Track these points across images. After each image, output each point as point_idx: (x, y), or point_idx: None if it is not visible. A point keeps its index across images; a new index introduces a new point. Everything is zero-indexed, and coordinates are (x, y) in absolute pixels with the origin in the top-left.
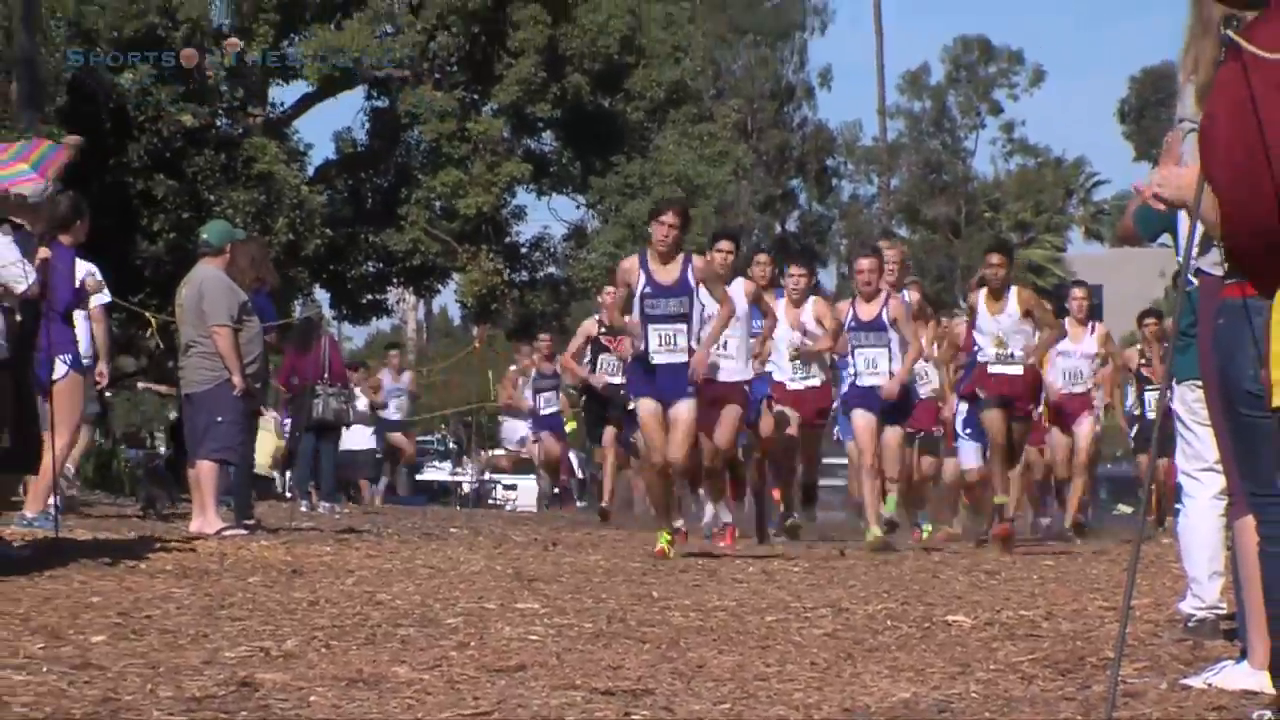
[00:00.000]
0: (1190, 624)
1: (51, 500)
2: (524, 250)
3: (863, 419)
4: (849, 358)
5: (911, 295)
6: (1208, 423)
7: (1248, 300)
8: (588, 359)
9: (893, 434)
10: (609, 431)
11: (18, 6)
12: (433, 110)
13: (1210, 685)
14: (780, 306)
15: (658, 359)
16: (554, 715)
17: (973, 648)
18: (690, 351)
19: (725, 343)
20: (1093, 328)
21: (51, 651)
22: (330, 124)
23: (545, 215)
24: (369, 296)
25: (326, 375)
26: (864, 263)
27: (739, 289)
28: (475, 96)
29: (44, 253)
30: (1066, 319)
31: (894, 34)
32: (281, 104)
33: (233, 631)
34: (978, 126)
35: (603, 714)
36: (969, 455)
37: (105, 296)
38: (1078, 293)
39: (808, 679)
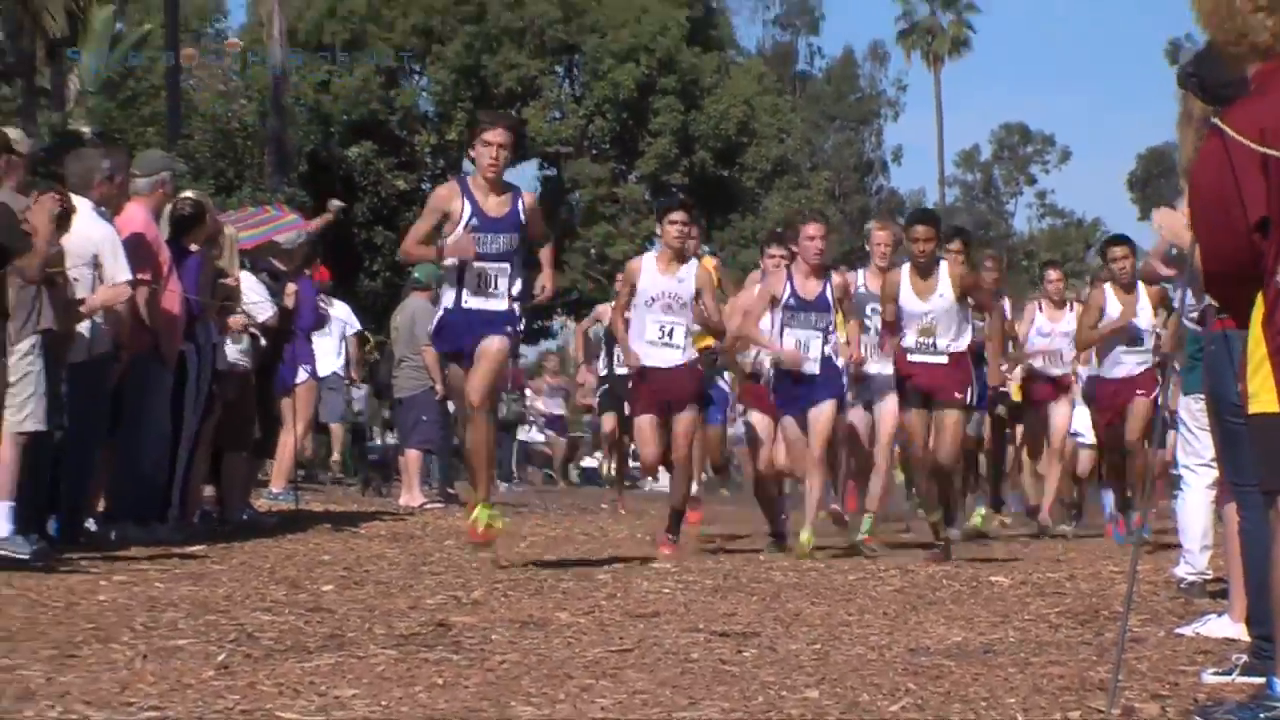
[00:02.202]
0: (1183, 585)
1: (291, 478)
2: None
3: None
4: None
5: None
6: (1207, 427)
7: (1227, 332)
8: (602, 354)
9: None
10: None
11: (269, 95)
12: (589, 178)
13: (1198, 634)
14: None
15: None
16: (682, 652)
17: (1010, 602)
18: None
19: (671, 330)
20: (1071, 306)
21: (291, 597)
22: None
23: None
24: (538, 323)
25: (509, 385)
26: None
27: (691, 270)
28: (623, 167)
29: (291, 288)
30: (1041, 300)
31: (951, 121)
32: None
33: (432, 583)
34: (1017, 194)
35: (720, 652)
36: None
37: (355, 325)
38: (1052, 274)
39: (880, 625)
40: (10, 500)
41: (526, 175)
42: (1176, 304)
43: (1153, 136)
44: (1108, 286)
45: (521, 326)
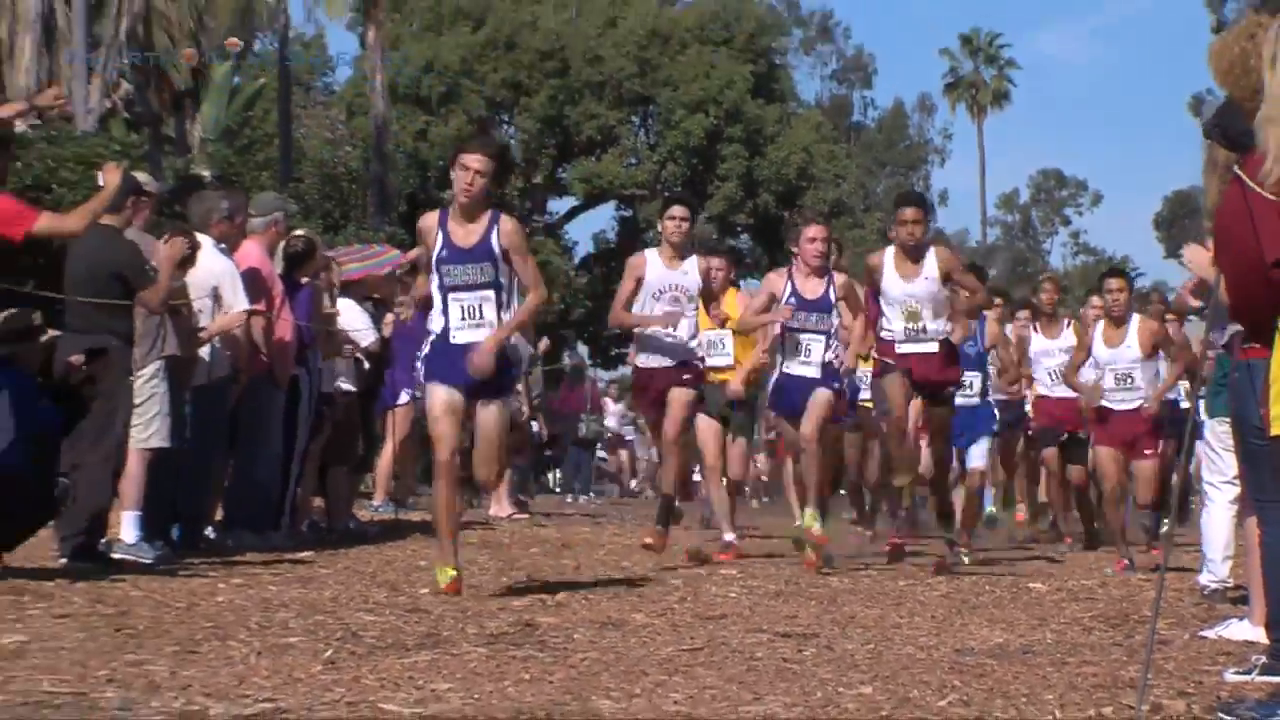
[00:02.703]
0: (1206, 592)
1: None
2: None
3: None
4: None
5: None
6: (1231, 448)
7: (1251, 361)
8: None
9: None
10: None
11: (372, 143)
12: None
13: (1221, 636)
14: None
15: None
16: (747, 651)
17: (1047, 607)
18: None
19: (677, 323)
20: (1068, 321)
21: (391, 599)
22: (590, 228)
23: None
24: (615, 350)
25: (589, 405)
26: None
27: (693, 263)
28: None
29: (390, 317)
30: (1033, 317)
31: (992, 167)
32: (555, 213)
33: (519, 587)
34: (1053, 234)
35: (782, 651)
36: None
37: None
38: (1047, 285)
39: (929, 627)
40: (137, 510)
41: (604, 216)
42: (1193, 330)
43: (1177, 181)
44: (1100, 323)
45: (534, 351)
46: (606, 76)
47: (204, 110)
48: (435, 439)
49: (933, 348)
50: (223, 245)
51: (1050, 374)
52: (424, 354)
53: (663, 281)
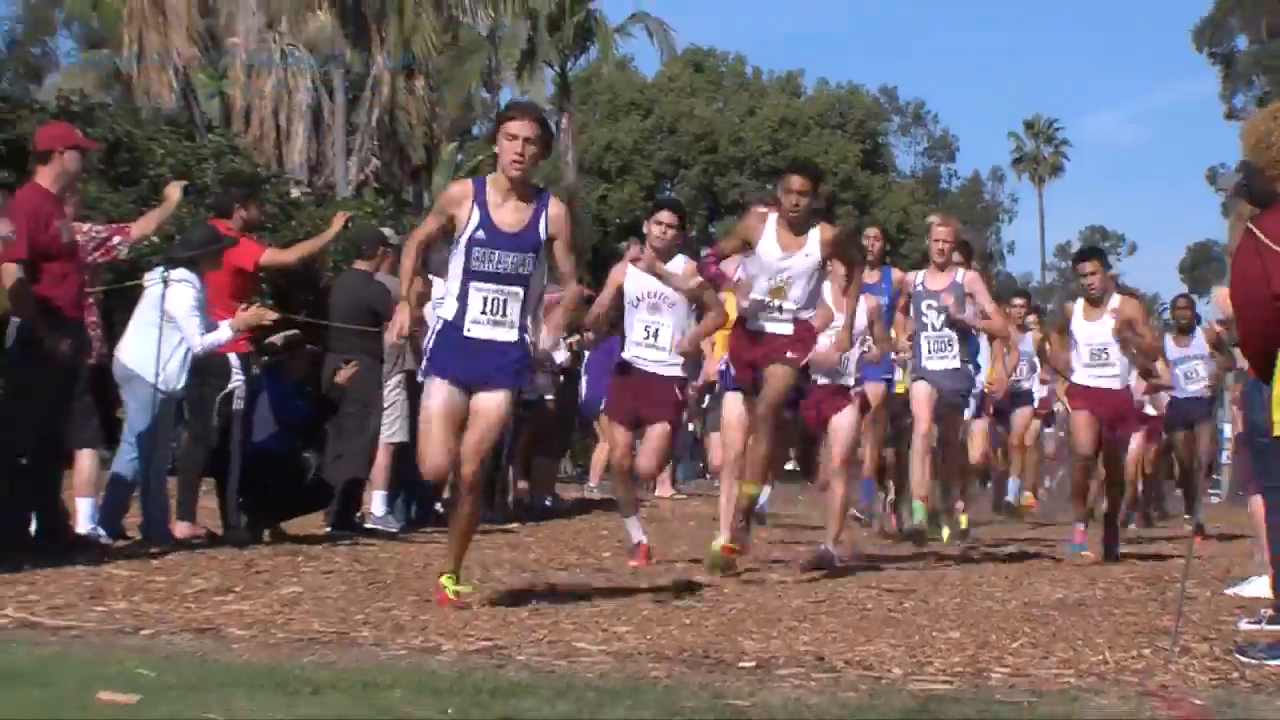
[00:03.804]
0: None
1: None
2: None
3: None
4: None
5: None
6: None
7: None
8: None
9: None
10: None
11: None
12: None
13: (1238, 594)
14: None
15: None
16: (860, 603)
17: (1096, 570)
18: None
19: (657, 331)
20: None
21: (581, 560)
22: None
23: None
24: None
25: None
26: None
27: (677, 268)
28: None
29: (574, 339)
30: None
31: (1050, 223)
32: None
33: (679, 552)
34: None
35: (887, 603)
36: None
37: None
38: (1017, 301)
39: (1003, 585)
40: (384, 490)
41: None
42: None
43: (1198, 234)
44: (1078, 302)
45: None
46: (747, 154)
47: (435, 180)
48: (422, 446)
49: (786, 329)
50: None
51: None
52: (430, 343)
53: (641, 289)
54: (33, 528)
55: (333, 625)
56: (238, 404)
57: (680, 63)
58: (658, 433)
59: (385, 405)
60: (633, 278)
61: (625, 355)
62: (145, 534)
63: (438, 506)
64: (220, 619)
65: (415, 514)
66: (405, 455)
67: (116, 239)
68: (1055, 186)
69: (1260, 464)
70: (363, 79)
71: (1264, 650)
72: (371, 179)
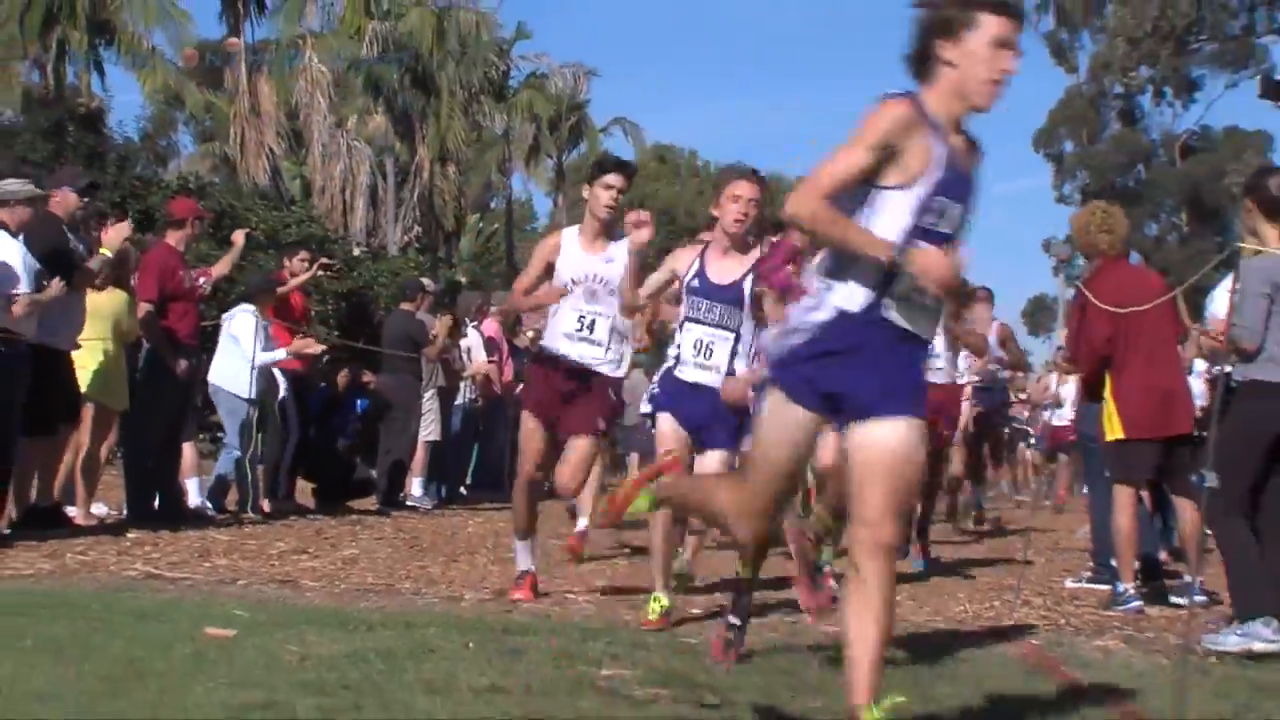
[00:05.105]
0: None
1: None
2: None
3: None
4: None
5: None
6: None
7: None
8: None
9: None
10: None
11: None
12: None
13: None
14: None
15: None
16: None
17: (963, 557)
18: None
19: (593, 322)
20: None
21: (572, 529)
22: None
23: None
24: None
25: None
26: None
27: (621, 248)
28: None
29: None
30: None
31: None
32: None
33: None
34: None
35: None
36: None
37: None
38: (980, 293)
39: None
40: (421, 477)
41: None
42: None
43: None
44: None
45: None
46: (697, 226)
47: (463, 242)
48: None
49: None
50: (475, 323)
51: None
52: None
53: (578, 269)
54: (155, 504)
55: (382, 579)
56: (289, 410)
57: (648, 154)
58: (584, 445)
59: (423, 412)
60: (569, 254)
61: (548, 345)
62: (240, 508)
63: (461, 490)
64: (297, 573)
65: (445, 495)
66: (437, 449)
67: (202, 280)
68: None
69: (1090, 465)
70: (408, 166)
71: (1224, 632)
72: (414, 241)
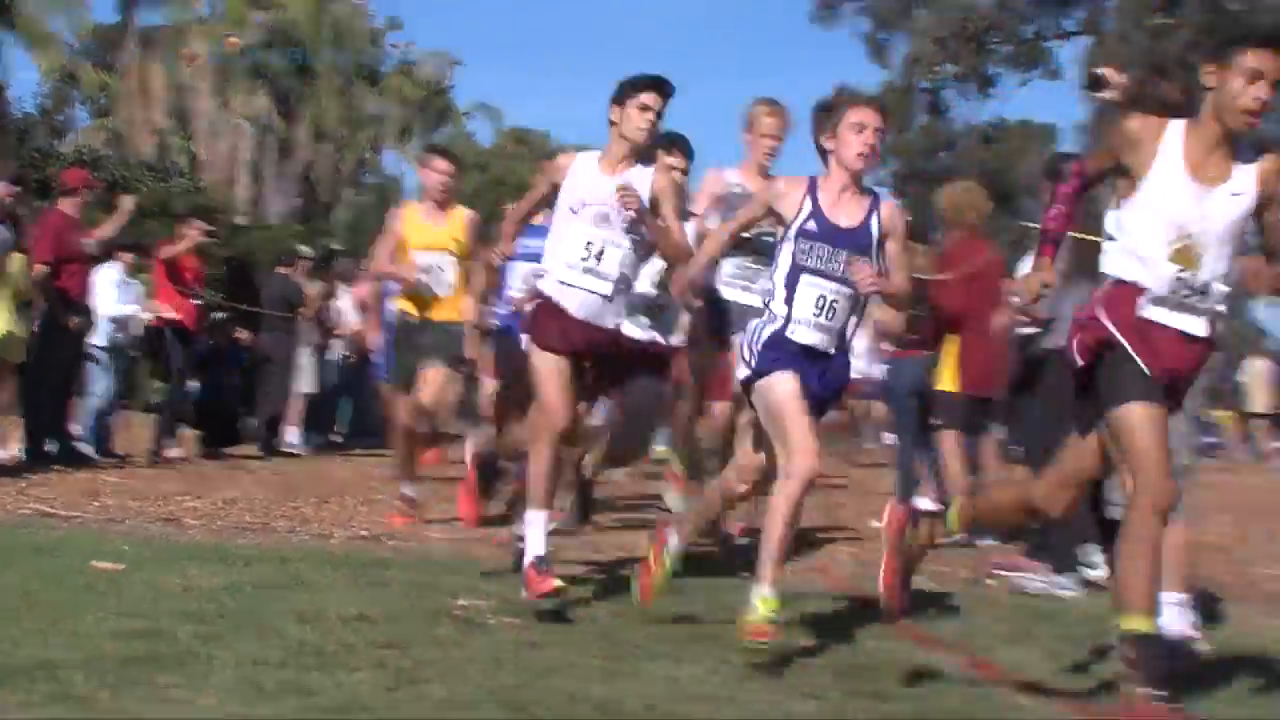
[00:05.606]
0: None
1: None
2: None
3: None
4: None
5: None
6: None
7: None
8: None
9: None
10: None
11: None
12: None
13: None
14: None
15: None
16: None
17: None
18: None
19: (602, 252)
20: None
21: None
22: None
23: None
24: None
25: None
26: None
27: (646, 175)
28: None
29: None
30: None
31: None
32: None
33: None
34: None
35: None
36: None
37: None
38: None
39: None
40: (297, 425)
41: None
42: None
43: None
44: None
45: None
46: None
47: (338, 212)
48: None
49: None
50: (348, 286)
51: None
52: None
53: (589, 192)
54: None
55: (259, 518)
56: (178, 362)
57: (506, 137)
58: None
59: (299, 366)
60: (581, 174)
61: (553, 279)
62: (97, 451)
63: (333, 436)
64: (180, 513)
65: (316, 443)
66: (312, 401)
67: (86, 241)
68: None
69: (901, 419)
70: (288, 143)
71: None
72: (293, 212)
